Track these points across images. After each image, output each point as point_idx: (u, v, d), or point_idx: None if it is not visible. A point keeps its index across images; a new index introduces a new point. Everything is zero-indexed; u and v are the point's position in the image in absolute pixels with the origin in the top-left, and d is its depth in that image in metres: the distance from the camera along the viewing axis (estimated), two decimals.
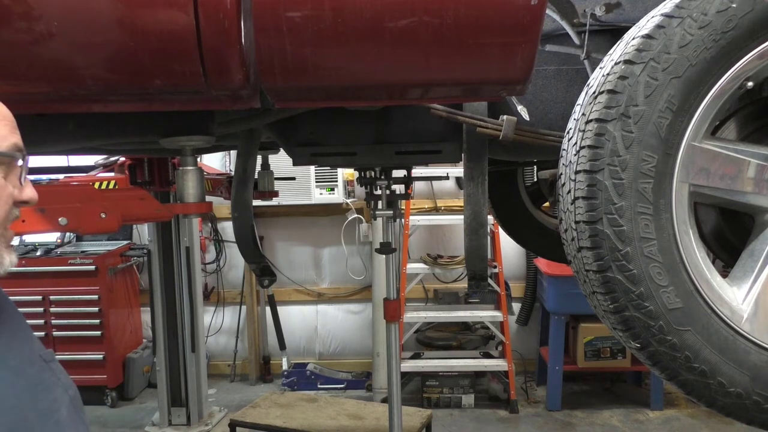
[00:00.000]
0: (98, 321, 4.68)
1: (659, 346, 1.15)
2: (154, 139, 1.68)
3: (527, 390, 4.95)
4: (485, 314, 4.76)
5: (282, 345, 5.24)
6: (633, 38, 1.17)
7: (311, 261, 5.46)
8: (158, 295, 4.23)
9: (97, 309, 4.67)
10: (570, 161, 1.22)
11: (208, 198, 1.76)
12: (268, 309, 5.30)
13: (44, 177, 3.42)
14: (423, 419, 3.56)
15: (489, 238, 4.56)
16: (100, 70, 1.18)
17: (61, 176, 3.51)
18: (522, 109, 1.59)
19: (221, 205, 4.89)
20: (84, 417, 1.10)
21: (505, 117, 1.55)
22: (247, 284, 5.38)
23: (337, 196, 5.05)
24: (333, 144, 1.92)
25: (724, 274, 1.25)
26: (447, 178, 4.36)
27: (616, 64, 1.17)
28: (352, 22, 1.12)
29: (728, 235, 1.36)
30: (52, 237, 5.03)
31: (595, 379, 5.11)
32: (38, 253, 4.78)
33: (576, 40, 1.55)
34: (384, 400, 4.28)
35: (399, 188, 2.47)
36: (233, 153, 3.95)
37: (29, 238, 4.98)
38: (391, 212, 2.39)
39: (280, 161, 3.28)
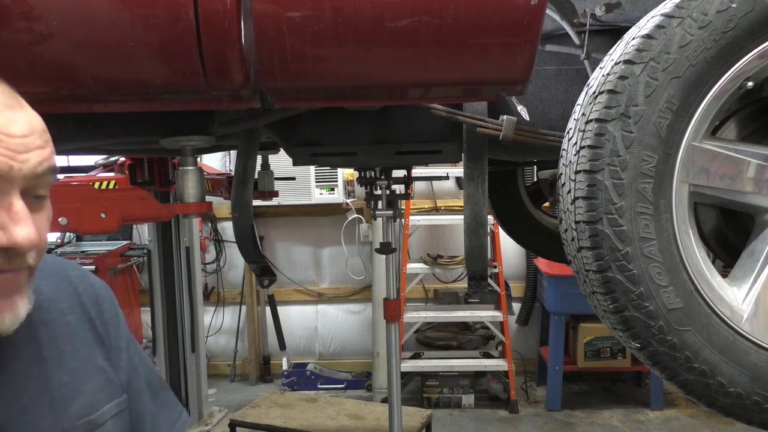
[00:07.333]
0: None
1: (659, 346, 1.15)
2: (154, 139, 1.68)
3: (527, 390, 4.95)
4: (485, 314, 4.76)
5: (282, 345, 5.24)
6: (633, 38, 1.17)
7: (311, 261, 5.46)
8: (158, 295, 4.22)
9: None
10: (570, 161, 1.22)
11: (208, 198, 1.76)
12: (268, 309, 5.30)
13: None
14: (423, 419, 3.56)
15: (489, 238, 4.56)
16: (100, 69, 1.18)
17: (61, 176, 3.52)
18: (522, 109, 1.58)
19: (221, 205, 4.89)
20: None
21: (505, 117, 1.55)
22: (247, 284, 5.38)
23: (337, 196, 5.05)
24: (333, 144, 1.91)
25: (724, 274, 1.25)
26: (447, 178, 4.36)
27: (616, 64, 1.17)
28: (352, 22, 1.12)
29: (728, 235, 1.36)
30: (52, 237, 5.03)
31: (595, 379, 5.11)
32: None
33: (576, 40, 1.55)
34: (384, 400, 4.28)
35: (399, 188, 2.47)
36: (233, 153, 3.95)
37: None
38: (391, 212, 2.38)
39: (280, 161, 3.27)
